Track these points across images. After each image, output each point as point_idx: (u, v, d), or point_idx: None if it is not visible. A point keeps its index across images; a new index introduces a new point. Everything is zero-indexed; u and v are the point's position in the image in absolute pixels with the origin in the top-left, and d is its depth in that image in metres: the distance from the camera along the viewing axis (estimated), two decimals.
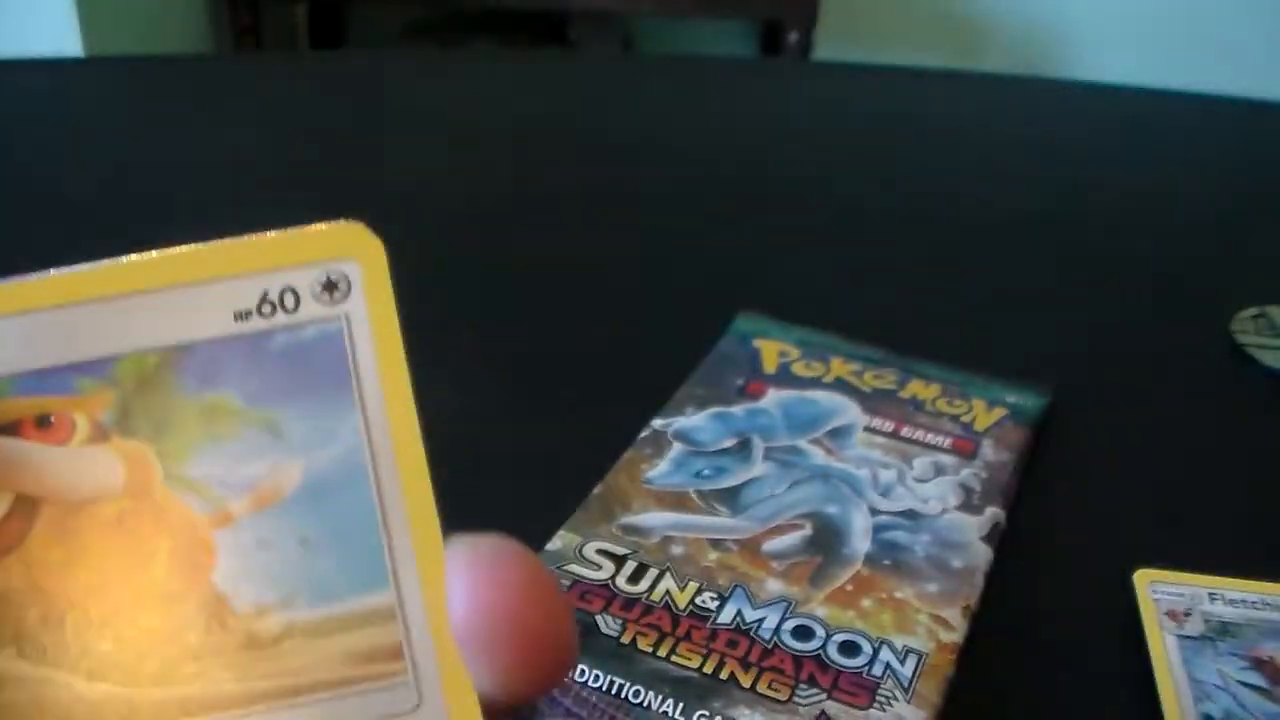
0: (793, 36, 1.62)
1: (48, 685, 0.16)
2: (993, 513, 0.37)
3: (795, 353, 0.44)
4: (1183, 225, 0.60)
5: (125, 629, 0.17)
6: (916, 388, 0.43)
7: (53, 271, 0.18)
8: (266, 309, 0.18)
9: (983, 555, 0.36)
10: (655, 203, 0.59)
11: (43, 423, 0.17)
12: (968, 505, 0.38)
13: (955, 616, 0.33)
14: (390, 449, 0.17)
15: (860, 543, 0.36)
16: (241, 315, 0.18)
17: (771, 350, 0.45)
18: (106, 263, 0.18)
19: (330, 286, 0.18)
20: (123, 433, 0.17)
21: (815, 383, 0.43)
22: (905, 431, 0.41)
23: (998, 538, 0.37)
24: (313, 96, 0.71)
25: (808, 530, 0.36)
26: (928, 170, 0.65)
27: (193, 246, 0.18)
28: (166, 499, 0.17)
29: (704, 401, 0.42)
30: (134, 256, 0.18)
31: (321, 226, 0.18)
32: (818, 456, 0.39)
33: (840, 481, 0.38)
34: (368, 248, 0.18)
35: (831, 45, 1.70)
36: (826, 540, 0.36)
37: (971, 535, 0.36)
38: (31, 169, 0.59)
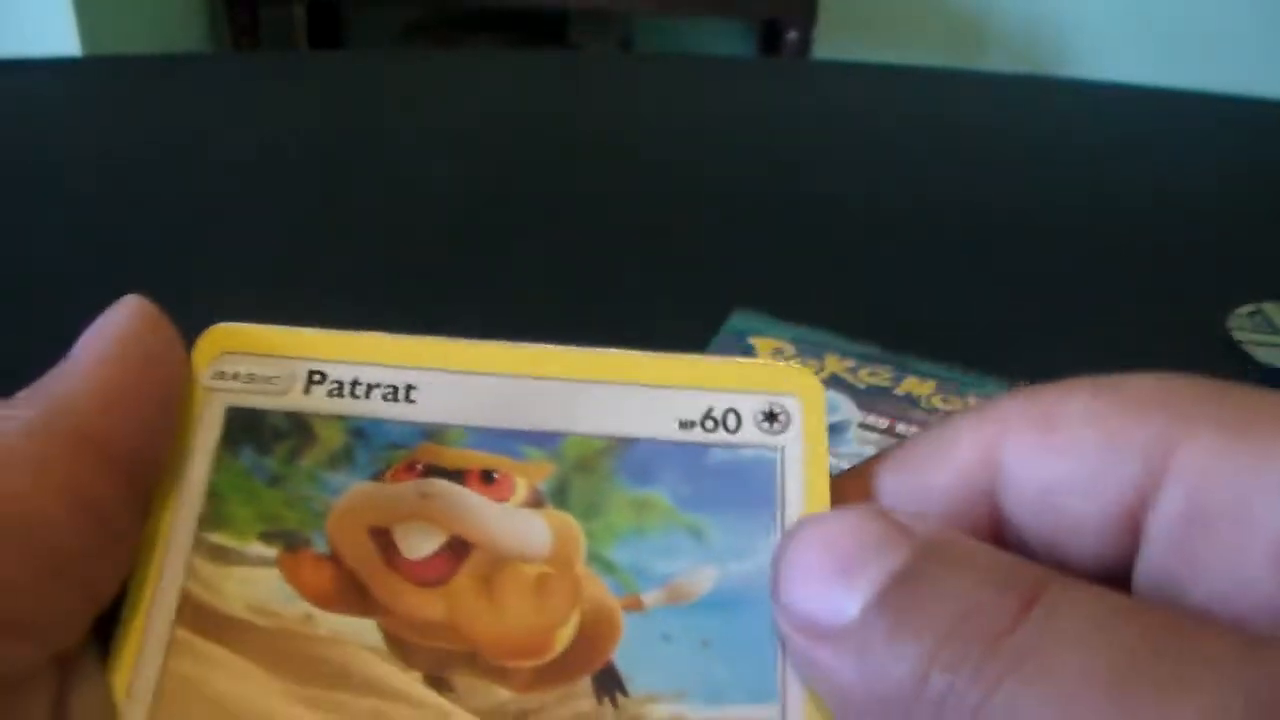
0: (792, 36, 1.62)
1: (444, 716, 0.17)
2: None
3: (790, 349, 0.44)
4: (1180, 223, 0.60)
5: (523, 683, 0.17)
6: (911, 385, 0.43)
7: (521, 345, 0.20)
8: (709, 424, 0.19)
9: None
10: (652, 201, 0.59)
11: (487, 478, 0.19)
12: None
13: None
14: None
15: None
16: (686, 424, 0.19)
17: (766, 347, 0.45)
18: (571, 348, 0.20)
19: (771, 417, 0.19)
20: (557, 505, 0.19)
21: None
22: (900, 428, 0.41)
23: None
24: (312, 96, 0.71)
25: None
26: (925, 169, 0.65)
27: (652, 354, 0.20)
28: (586, 574, 0.18)
29: None
30: (595, 350, 0.20)
31: (772, 362, 0.20)
32: None
33: None
34: (811, 388, 0.20)
35: (830, 44, 1.70)
36: None
37: None
38: (31, 169, 0.59)
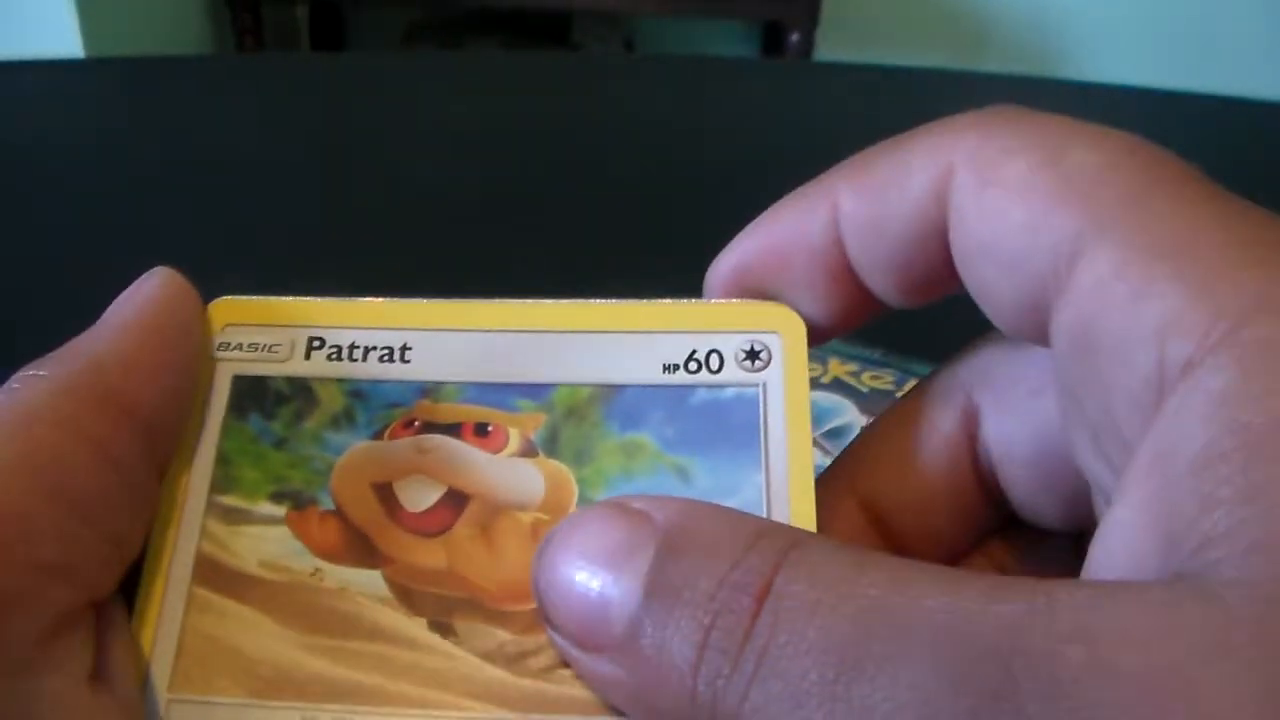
0: (794, 37, 1.62)
1: (449, 659, 0.18)
2: None
3: None
4: None
5: (522, 626, 0.18)
6: None
7: (508, 301, 0.21)
8: (693, 366, 0.20)
9: None
10: (654, 202, 0.59)
11: (481, 430, 0.19)
12: None
13: None
14: (786, 510, 0.19)
15: None
16: (669, 368, 0.20)
17: None
18: (556, 301, 0.21)
19: (753, 355, 0.20)
20: (548, 453, 0.19)
21: (813, 383, 0.43)
22: None
23: None
24: (313, 97, 0.71)
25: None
26: None
27: (634, 301, 0.21)
28: None
29: None
30: (580, 301, 0.20)
31: (751, 301, 0.20)
32: (816, 457, 0.39)
33: None
34: (790, 324, 0.20)
35: (832, 45, 1.70)
36: None
37: None
38: (31, 169, 0.59)
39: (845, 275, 0.19)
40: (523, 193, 0.60)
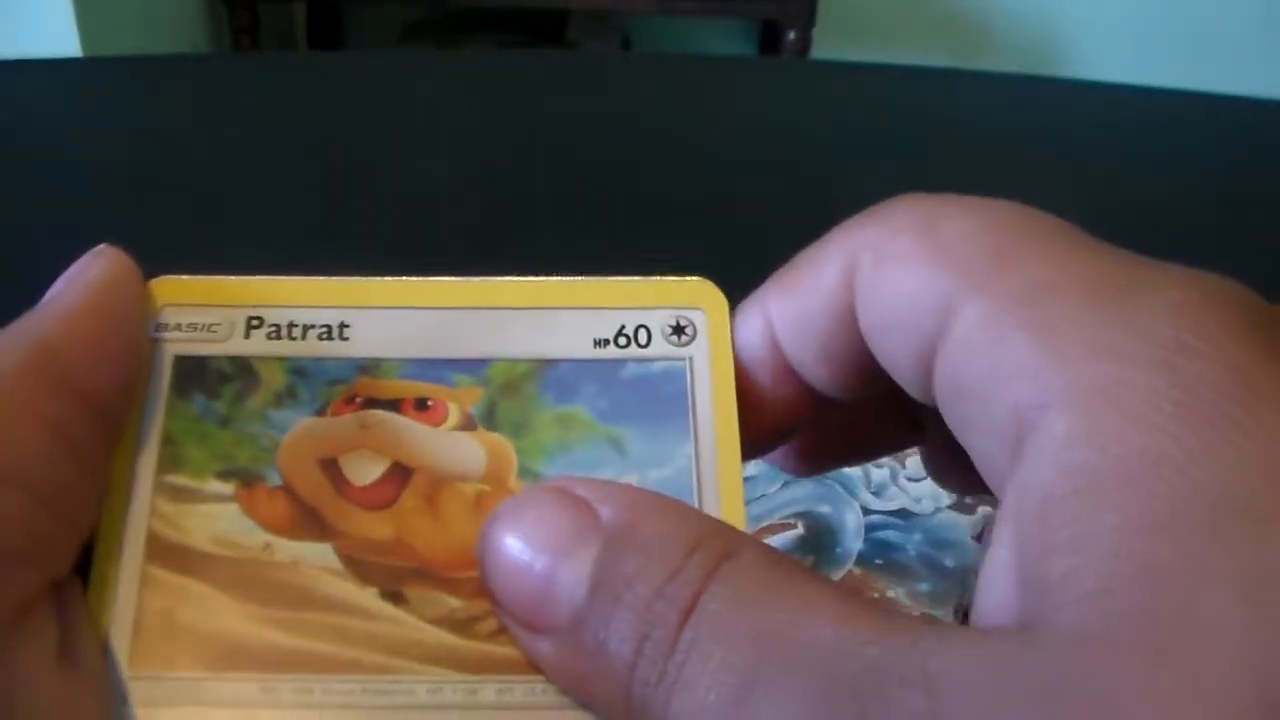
0: (791, 35, 1.62)
1: (400, 626, 0.18)
2: (985, 511, 0.37)
3: None
4: (1180, 223, 0.60)
5: (470, 591, 0.18)
6: None
7: (445, 279, 0.21)
8: (622, 341, 0.21)
9: (975, 554, 0.36)
10: (653, 201, 0.59)
11: (421, 405, 0.20)
12: (960, 504, 0.38)
13: (947, 616, 0.34)
14: (715, 478, 0.19)
15: (852, 542, 0.36)
16: (600, 343, 0.21)
17: None
18: (491, 279, 0.21)
19: (679, 329, 0.21)
20: (487, 426, 0.20)
21: None
22: None
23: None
24: (311, 96, 0.71)
25: (800, 530, 0.36)
26: (925, 169, 0.65)
27: (566, 279, 0.21)
28: (519, 488, 0.19)
29: None
30: (515, 278, 0.21)
31: (677, 278, 0.22)
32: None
33: (832, 481, 0.38)
34: (714, 301, 0.21)
35: (830, 44, 1.70)
36: (819, 540, 0.36)
37: (964, 534, 0.36)
38: (31, 169, 0.59)
39: (787, 375, 0.20)
40: (520, 191, 0.60)
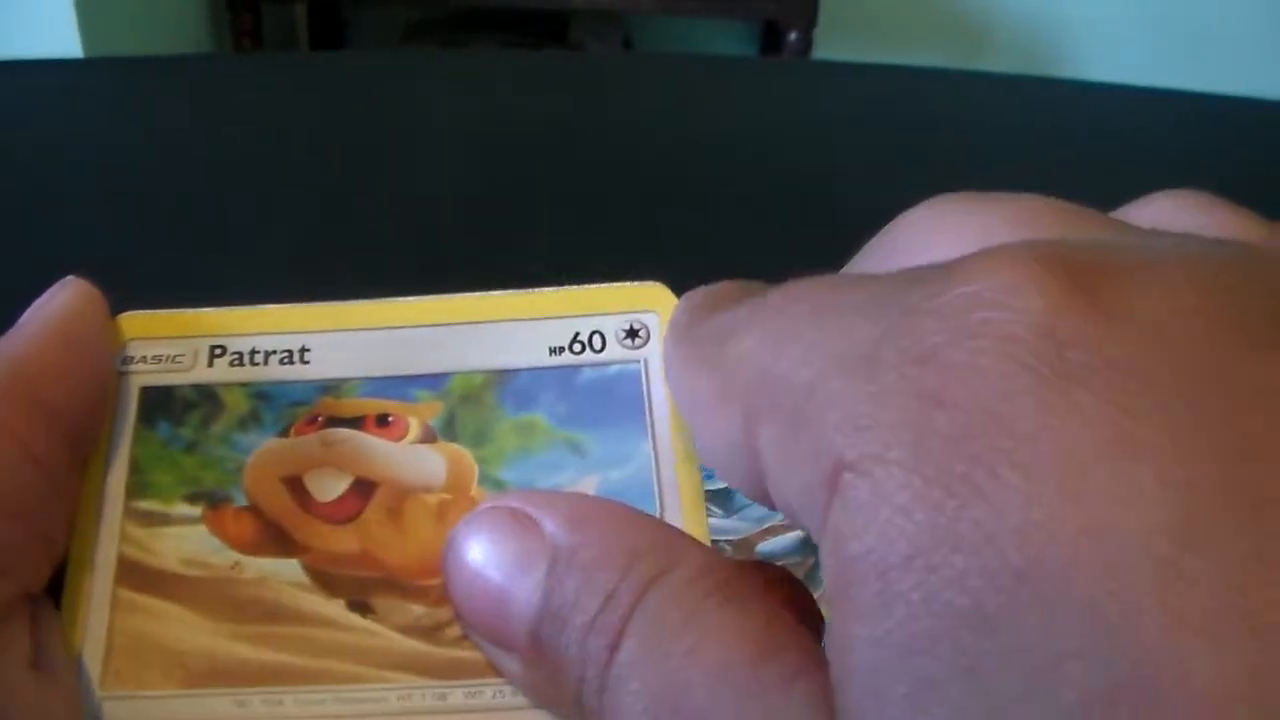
0: (792, 35, 1.62)
1: (369, 635, 0.19)
2: None
3: None
4: None
5: (435, 598, 0.19)
6: None
7: (401, 299, 0.21)
8: (577, 347, 0.21)
9: None
10: (654, 201, 0.59)
11: (382, 421, 0.21)
12: None
13: None
14: (674, 477, 0.20)
15: None
16: (555, 350, 0.21)
17: None
18: (447, 296, 0.21)
19: (633, 333, 0.21)
20: (448, 438, 0.20)
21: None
22: None
23: None
24: (313, 96, 0.71)
25: (801, 531, 0.36)
26: (926, 169, 0.65)
27: (520, 291, 0.22)
28: (481, 495, 0.20)
29: None
30: (470, 294, 0.21)
31: (631, 284, 0.22)
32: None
33: None
34: (666, 303, 0.21)
35: (831, 44, 1.70)
36: None
37: None
38: (31, 169, 0.59)
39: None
40: (521, 190, 0.60)
